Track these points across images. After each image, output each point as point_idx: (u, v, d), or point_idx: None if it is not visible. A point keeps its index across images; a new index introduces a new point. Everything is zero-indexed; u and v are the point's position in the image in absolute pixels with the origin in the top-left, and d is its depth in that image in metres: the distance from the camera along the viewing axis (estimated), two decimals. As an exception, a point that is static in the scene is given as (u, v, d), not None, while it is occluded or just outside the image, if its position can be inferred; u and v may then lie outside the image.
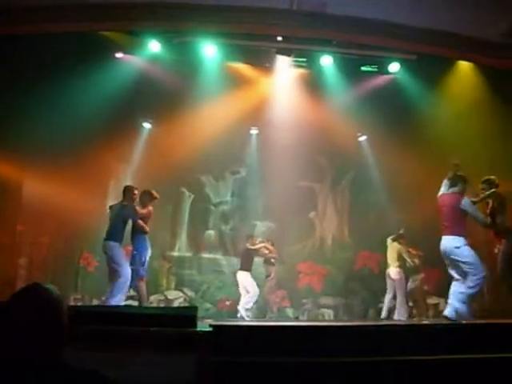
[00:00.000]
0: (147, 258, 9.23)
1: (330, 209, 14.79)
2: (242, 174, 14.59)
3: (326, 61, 13.02)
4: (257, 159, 14.33)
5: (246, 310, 11.67)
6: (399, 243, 11.96)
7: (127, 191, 9.27)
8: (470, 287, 7.38)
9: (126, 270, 8.68)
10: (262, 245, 12.41)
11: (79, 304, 12.16)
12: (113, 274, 8.76)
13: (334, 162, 14.67)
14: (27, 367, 1.99)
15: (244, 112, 13.39)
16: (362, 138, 14.43)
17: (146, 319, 4.67)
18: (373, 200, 14.37)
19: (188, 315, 4.81)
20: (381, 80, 13.69)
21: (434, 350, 4.75)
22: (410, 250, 12.04)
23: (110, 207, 9.46)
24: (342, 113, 13.16)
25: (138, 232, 9.21)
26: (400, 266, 11.77)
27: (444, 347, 4.83)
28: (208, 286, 13.69)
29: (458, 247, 7.45)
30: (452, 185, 7.78)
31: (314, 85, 13.35)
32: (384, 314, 11.88)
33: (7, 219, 12.19)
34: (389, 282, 11.89)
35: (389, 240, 12.02)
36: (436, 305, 13.29)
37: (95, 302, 12.38)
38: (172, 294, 13.28)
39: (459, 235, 7.50)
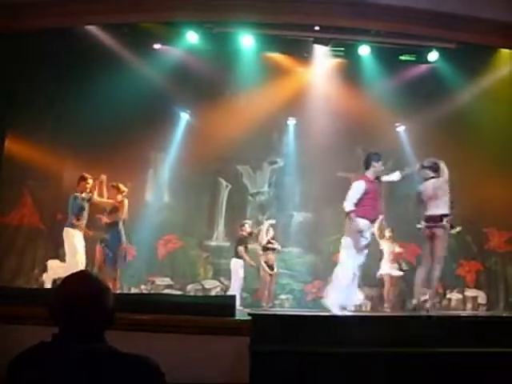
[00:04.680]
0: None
1: (368, 199, 14.64)
2: (280, 164, 14.56)
3: (364, 50, 12.92)
4: (294, 149, 14.28)
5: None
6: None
7: (80, 180, 9.43)
8: None
9: None
10: (249, 231, 11.88)
11: (118, 292, 12.31)
12: None
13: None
14: (79, 350, 2.04)
15: (281, 102, 13.38)
16: (401, 128, 14.26)
17: (184, 308, 4.71)
18: (411, 191, 14.18)
19: (226, 304, 4.84)
20: (419, 69, 13.53)
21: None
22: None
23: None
24: (380, 103, 13.03)
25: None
26: None
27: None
28: (245, 276, 13.72)
29: None
30: None
31: (351, 74, 13.27)
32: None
33: (47, 208, 12.45)
34: None
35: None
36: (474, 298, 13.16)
37: (133, 291, 12.54)
38: (209, 284, 13.36)
39: None
